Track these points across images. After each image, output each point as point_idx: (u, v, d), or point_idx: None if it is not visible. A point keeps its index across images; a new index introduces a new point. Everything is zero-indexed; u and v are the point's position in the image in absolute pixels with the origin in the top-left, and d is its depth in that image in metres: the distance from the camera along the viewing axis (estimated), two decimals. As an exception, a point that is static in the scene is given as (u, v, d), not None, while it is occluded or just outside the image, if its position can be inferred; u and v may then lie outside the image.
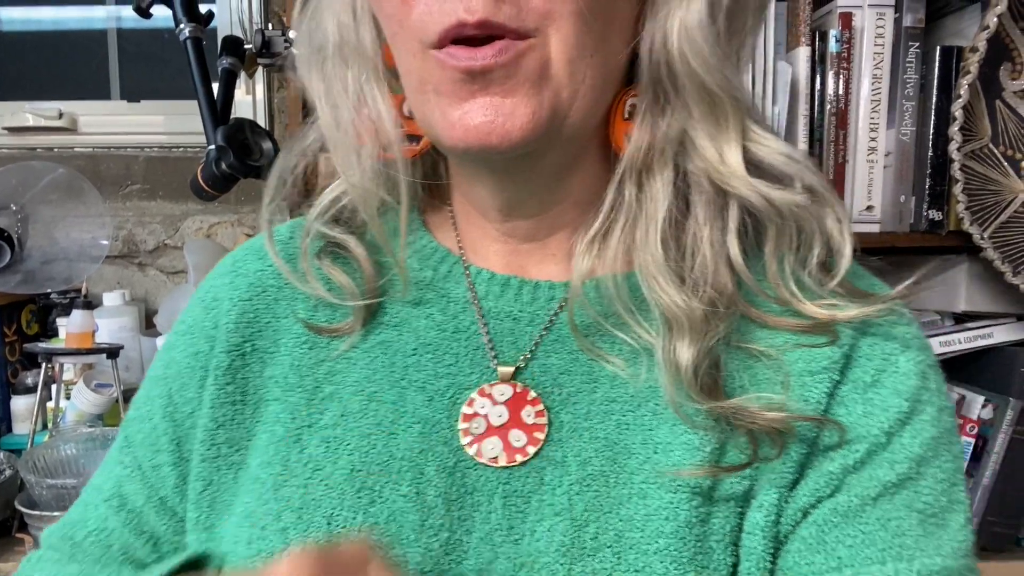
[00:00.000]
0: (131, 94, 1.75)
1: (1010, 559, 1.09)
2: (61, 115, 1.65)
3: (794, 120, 1.07)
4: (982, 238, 1.03)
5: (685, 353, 0.42)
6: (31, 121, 1.64)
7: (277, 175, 0.51)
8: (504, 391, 0.47)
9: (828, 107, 1.07)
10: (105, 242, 1.39)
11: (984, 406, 1.08)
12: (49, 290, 1.41)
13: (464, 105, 0.40)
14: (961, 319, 1.16)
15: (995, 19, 0.99)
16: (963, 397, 1.10)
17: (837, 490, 0.42)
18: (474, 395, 0.47)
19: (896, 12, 1.06)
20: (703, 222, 0.44)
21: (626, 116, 0.45)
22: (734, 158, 0.43)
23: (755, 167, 0.44)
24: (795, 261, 0.45)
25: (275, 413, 0.49)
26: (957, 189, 1.03)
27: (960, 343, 1.13)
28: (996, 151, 1.04)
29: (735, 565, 0.42)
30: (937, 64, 1.05)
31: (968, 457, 1.09)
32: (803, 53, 1.06)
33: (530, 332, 0.48)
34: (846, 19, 1.06)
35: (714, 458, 0.43)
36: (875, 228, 1.10)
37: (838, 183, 1.08)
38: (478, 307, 0.49)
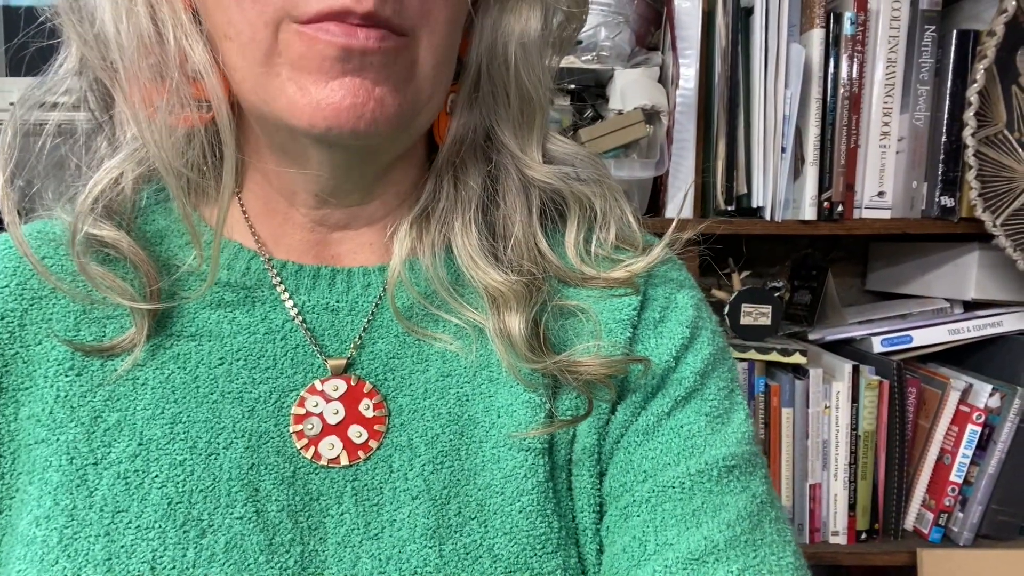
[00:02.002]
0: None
1: (1015, 547, 1.08)
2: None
3: (806, 103, 1.06)
4: (994, 225, 1.02)
5: (514, 323, 0.45)
6: (39, 97, 1.63)
7: (10, 139, 0.42)
8: (338, 386, 0.45)
9: (841, 91, 1.06)
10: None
11: (992, 395, 1.07)
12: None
13: (332, 83, 0.38)
14: (971, 307, 1.15)
15: (1013, 2, 0.97)
16: (970, 386, 1.10)
17: (639, 415, 0.46)
18: (304, 394, 0.44)
19: (912, -6, 1.05)
20: (512, 207, 0.48)
21: (447, 111, 0.47)
22: (535, 153, 0.48)
23: (554, 161, 0.50)
24: (594, 238, 0.50)
25: (44, 458, 0.42)
26: (971, 175, 1.02)
27: (969, 331, 1.12)
28: (1011, 137, 1.02)
29: (597, 506, 0.45)
30: (953, 48, 1.03)
31: (975, 446, 1.09)
32: (817, 35, 1.04)
33: (352, 322, 0.47)
34: (862, 1, 1.04)
35: (553, 413, 0.45)
36: (886, 214, 1.09)
37: (850, 168, 1.07)
38: (291, 302, 0.46)
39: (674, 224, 0.50)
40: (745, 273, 1.17)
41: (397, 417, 0.45)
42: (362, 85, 0.38)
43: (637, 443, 0.45)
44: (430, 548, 0.42)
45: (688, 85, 1.05)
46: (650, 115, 1.02)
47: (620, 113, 1.01)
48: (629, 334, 0.47)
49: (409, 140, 0.46)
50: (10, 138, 0.43)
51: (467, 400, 0.46)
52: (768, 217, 1.07)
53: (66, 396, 0.42)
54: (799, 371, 1.10)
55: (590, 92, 1.10)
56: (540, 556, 0.43)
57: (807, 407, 1.09)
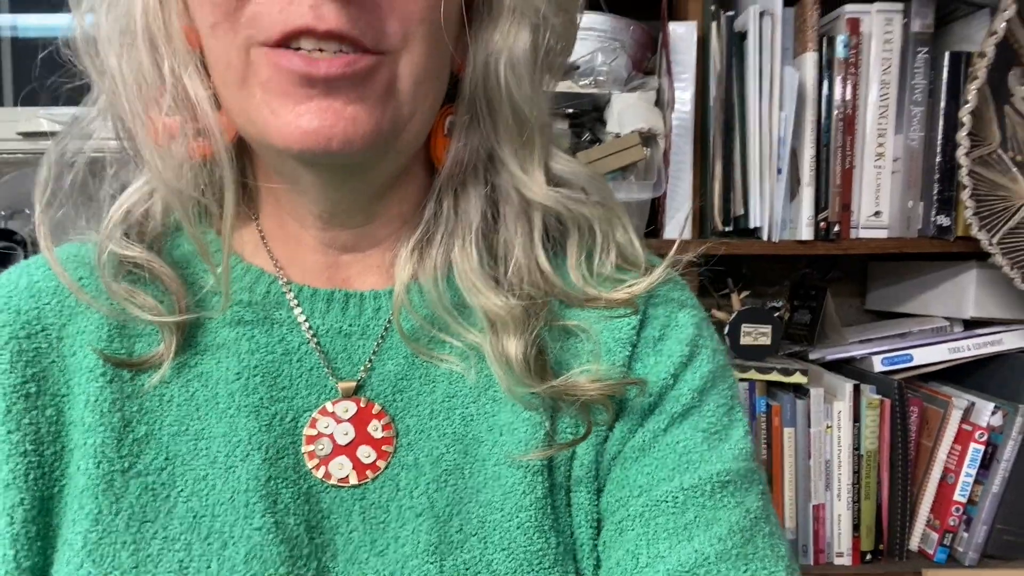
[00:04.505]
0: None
1: (1021, 567, 1.07)
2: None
3: (801, 126, 1.07)
4: (990, 244, 1.03)
5: (512, 347, 0.45)
6: (46, 126, 1.65)
7: (47, 172, 0.44)
8: (348, 407, 0.46)
9: (835, 112, 1.07)
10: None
11: (994, 413, 1.07)
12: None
13: (299, 108, 0.38)
14: (970, 325, 1.15)
15: (1004, 24, 0.98)
16: (972, 404, 1.09)
17: (636, 432, 0.47)
18: (316, 415, 0.45)
19: (904, 17, 1.06)
20: (513, 230, 0.48)
21: (446, 133, 0.48)
22: (538, 174, 0.48)
23: (557, 182, 0.49)
24: (596, 259, 0.50)
25: (74, 462, 0.43)
26: (965, 195, 1.02)
27: (969, 349, 1.12)
28: (1005, 156, 1.03)
29: (593, 522, 0.46)
30: (946, 69, 1.05)
31: (978, 465, 1.08)
32: (810, 58, 1.06)
33: (363, 345, 0.47)
34: (854, 24, 1.06)
35: (552, 433, 0.46)
36: (883, 234, 1.10)
37: (845, 188, 1.08)
38: (307, 325, 0.47)
39: (676, 245, 0.51)
40: (744, 293, 1.17)
41: (404, 437, 0.46)
42: (330, 107, 0.38)
43: (633, 459, 0.46)
44: (431, 564, 0.43)
45: (684, 108, 1.07)
46: (647, 138, 1.03)
47: (617, 136, 1.02)
48: (628, 353, 0.48)
49: (400, 160, 0.46)
50: (48, 171, 0.45)
51: (471, 420, 0.47)
52: (766, 238, 1.08)
53: (96, 401, 0.43)
54: (800, 391, 1.10)
55: (588, 116, 1.11)
56: (537, 571, 0.43)
57: (809, 427, 1.09)
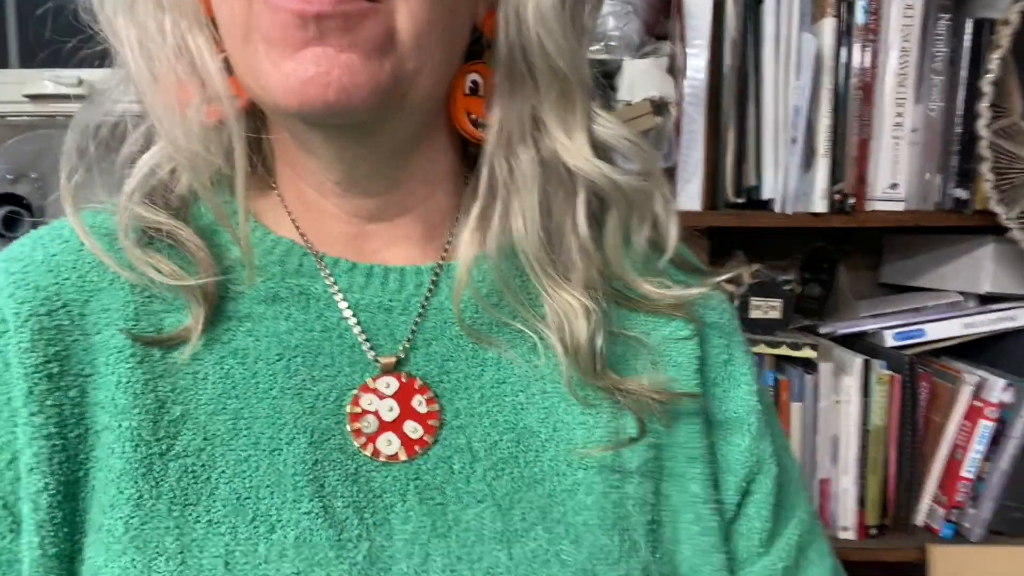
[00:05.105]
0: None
1: (1027, 544, 1.07)
2: (81, 83, 1.65)
3: (818, 94, 1.04)
4: (1008, 219, 1.00)
5: (577, 336, 0.45)
6: (51, 89, 1.64)
7: (75, 139, 0.43)
8: (390, 383, 0.45)
9: (853, 81, 1.04)
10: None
11: (1005, 390, 1.06)
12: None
13: (296, 56, 0.37)
14: (985, 300, 1.13)
15: (1031, -10, 0.95)
16: (984, 380, 1.08)
17: (761, 461, 0.50)
18: (358, 392, 0.44)
19: (927, -18, 1.03)
20: (563, 206, 0.46)
21: (467, 92, 0.45)
22: (581, 139, 0.45)
23: (599, 149, 0.46)
24: (632, 239, 0.49)
25: (107, 445, 0.41)
26: (985, 168, 1.00)
27: (984, 325, 1.11)
28: (1027, 128, 1.00)
29: (650, 523, 0.46)
30: (968, 37, 1.02)
31: (987, 441, 1.07)
32: (829, 24, 1.03)
33: (404, 321, 0.46)
34: (875, -11, 1.03)
35: (611, 434, 0.46)
36: (899, 206, 1.08)
37: (862, 159, 1.06)
38: (344, 302, 0.46)
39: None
40: (756, 266, 1.16)
41: (454, 419, 0.45)
42: (324, 53, 0.37)
43: (772, 493, 0.51)
44: (500, 551, 0.42)
45: (698, 75, 1.04)
46: (659, 106, 1.01)
47: (628, 104, 1.00)
48: (695, 366, 0.49)
49: (413, 120, 0.44)
50: (75, 138, 0.43)
51: (523, 409, 0.46)
52: (778, 209, 1.06)
53: (128, 382, 0.42)
54: (809, 365, 1.09)
55: (598, 83, 1.09)
56: (605, 564, 0.43)
57: (817, 401, 1.08)
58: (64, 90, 1.63)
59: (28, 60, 1.74)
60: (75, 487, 0.41)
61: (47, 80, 1.63)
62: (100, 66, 0.45)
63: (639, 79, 1.02)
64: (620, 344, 0.48)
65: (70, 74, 1.64)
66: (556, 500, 0.44)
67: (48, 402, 0.41)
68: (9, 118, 1.62)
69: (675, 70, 1.05)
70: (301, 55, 0.37)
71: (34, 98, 1.64)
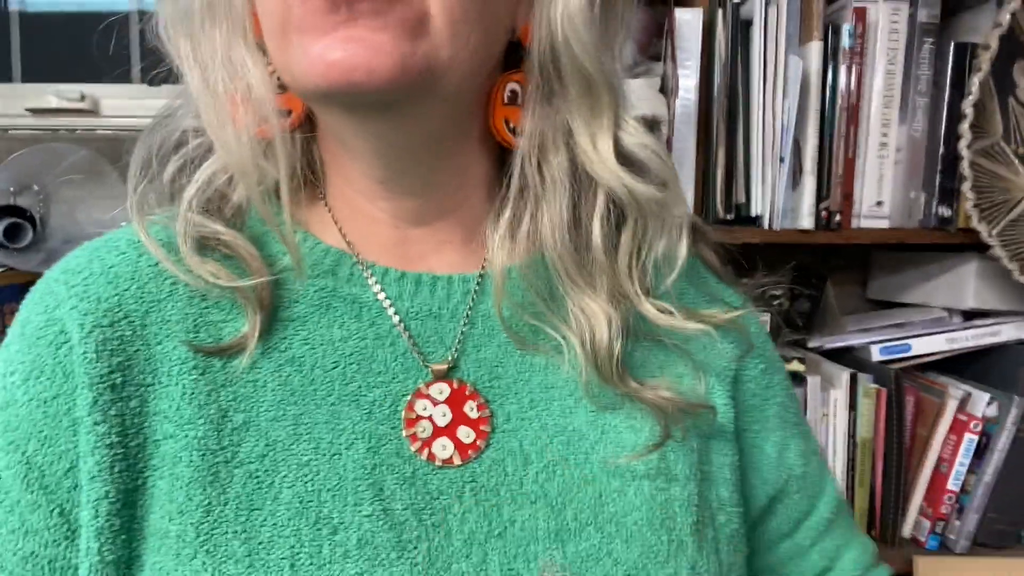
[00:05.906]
0: (152, 78, 1.77)
1: (1012, 556, 1.09)
2: (83, 97, 1.67)
3: (805, 114, 1.07)
4: (990, 236, 1.03)
5: (598, 342, 0.46)
6: (54, 103, 1.66)
7: (142, 154, 0.45)
8: (442, 389, 0.46)
9: (839, 102, 1.07)
10: (125, 223, 1.42)
11: (989, 404, 1.08)
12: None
13: (325, 39, 0.38)
14: (969, 316, 1.16)
15: (1009, 16, 0.98)
16: (968, 394, 1.10)
17: (794, 467, 0.56)
18: (412, 398, 0.46)
19: (911, 7, 1.06)
20: (588, 213, 0.47)
21: (506, 102, 0.46)
22: (606, 147, 0.45)
23: (627, 157, 0.46)
24: (643, 252, 0.49)
25: (173, 453, 0.42)
26: (966, 186, 1.03)
27: (967, 340, 1.13)
28: (1007, 149, 1.03)
29: (695, 524, 0.47)
30: (951, 60, 1.05)
31: (972, 455, 1.09)
32: (815, 47, 1.06)
33: (452, 328, 0.47)
34: (860, 14, 1.06)
35: (652, 438, 0.47)
36: (884, 224, 1.10)
37: (848, 177, 1.08)
38: (392, 309, 0.47)
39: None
40: (744, 281, 1.18)
41: (505, 423, 0.46)
42: (351, 36, 0.37)
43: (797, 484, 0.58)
44: (554, 549, 0.44)
45: (688, 95, 1.07)
46: (650, 124, 1.04)
47: (621, 122, 1.03)
48: (731, 376, 0.53)
49: (444, 110, 0.43)
50: (144, 151, 0.45)
51: (571, 412, 0.47)
52: (766, 226, 1.08)
53: (192, 393, 0.43)
54: (797, 378, 1.11)
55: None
56: (655, 563, 0.45)
57: (805, 414, 1.10)
58: (67, 104, 1.65)
59: (31, 74, 1.76)
60: (134, 495, 0.42)
61: (50, 94, 1.65)
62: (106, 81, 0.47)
63: (631, 98, 1.04)
64: (651, 347, 0.50)
65: (73, 89, 1.66)
66: (606, 500, 0.46)
67: (112, 412, 0.42)
68: (12, 131, 1.64)
69: (667, 90, 1.07)
70: (330, 38, 0.38)
71: (37, 112, 1.66)
